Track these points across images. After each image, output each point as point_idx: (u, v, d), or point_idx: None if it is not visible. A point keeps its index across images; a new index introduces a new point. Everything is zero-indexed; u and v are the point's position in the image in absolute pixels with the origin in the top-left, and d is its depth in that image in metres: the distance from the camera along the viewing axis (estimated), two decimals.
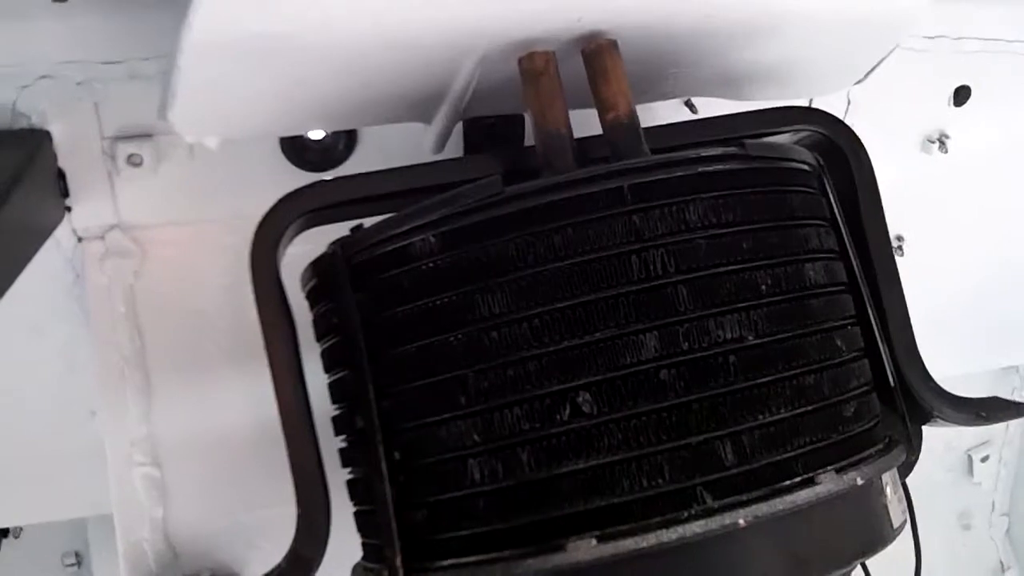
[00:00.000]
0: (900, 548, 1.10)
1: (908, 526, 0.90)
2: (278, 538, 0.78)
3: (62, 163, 0.95)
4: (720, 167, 0.71)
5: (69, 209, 0.97)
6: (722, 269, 0.69)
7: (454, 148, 0.95)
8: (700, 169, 0.71)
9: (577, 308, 0.67)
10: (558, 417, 0.67)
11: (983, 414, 0.88)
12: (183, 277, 1.02)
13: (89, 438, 1.13)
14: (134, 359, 1.01)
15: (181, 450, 1.01)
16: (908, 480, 0.89)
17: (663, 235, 0.69)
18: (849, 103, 1.16)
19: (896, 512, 0.76)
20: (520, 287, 0.68)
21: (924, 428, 0.88)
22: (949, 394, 0.86)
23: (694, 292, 0.68)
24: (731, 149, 0.72)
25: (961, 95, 1.23)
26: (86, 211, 0.98)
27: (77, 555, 1.60)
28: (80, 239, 0.99)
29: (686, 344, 0.67)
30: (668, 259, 0.68)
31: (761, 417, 0.68)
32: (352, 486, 0.80)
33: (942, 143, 1.25)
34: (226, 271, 1.01)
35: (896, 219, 1.28)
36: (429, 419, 0.70)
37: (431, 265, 0.71)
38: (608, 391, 0.67)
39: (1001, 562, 2.15)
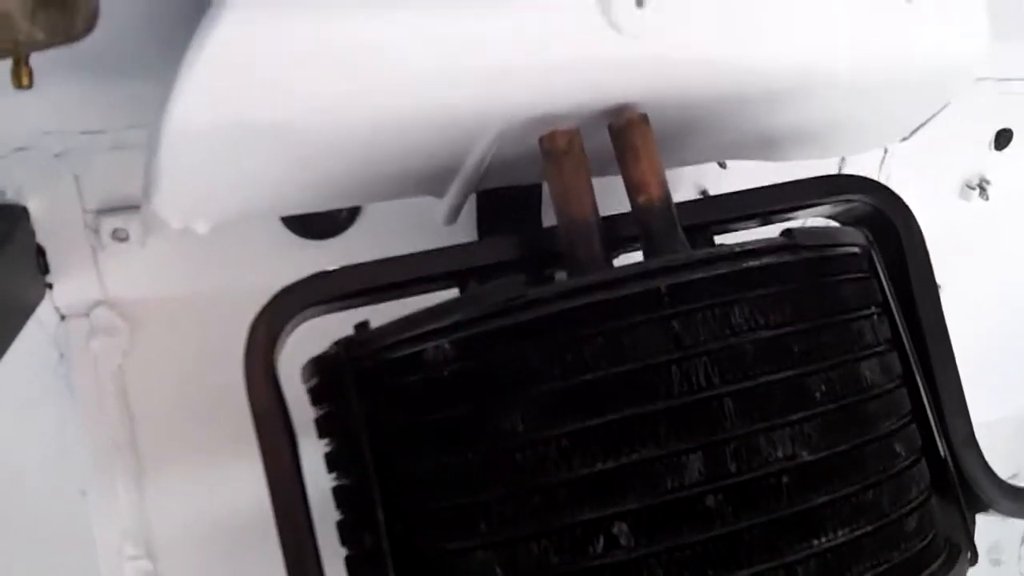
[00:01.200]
0: None
1: None
2: None
3: (41, 239, 0.87)
4: (767, 260, 0.64)
5: (50, 286, 0.90)
6: (772, 377, 0.62)
7: (467, 216, 0.88)
8: (745, 264, 0.63)
9: (611, 426, 0.60)
10: (591, 550, 0.59)
11: None
12: (175, 354, 0.95)
13: (82, 518, 1.06)
14: (125, 443, 0.94)
15: (176, 540, 0.95)
16: None
17: (706, 341, 0.61)
18: (886, 151, 1.09)
19: None
20: (546, 402, 0.61)
21: None
22: (1008, 485, 0.80)
23: (742, 405, 0.61)
24: (779, 240, 0.65)
25: (1003, 138, 1.15)
26: (69, 288, 0.91)
27: None
28: (63, 317, 0.92)
29: (734, 465, 0.60)
30: (712, 368, 0.61)
31: (817, 543, 0.61)
32: None
33: (983, 189, 1.17)
34: (222, 347, 0.94)
35: (936, 265, 1.21)
36: (445, 545, 0.63)
37: (446, 374, 0.63)
38: (648, 520, 0.59)
39: None
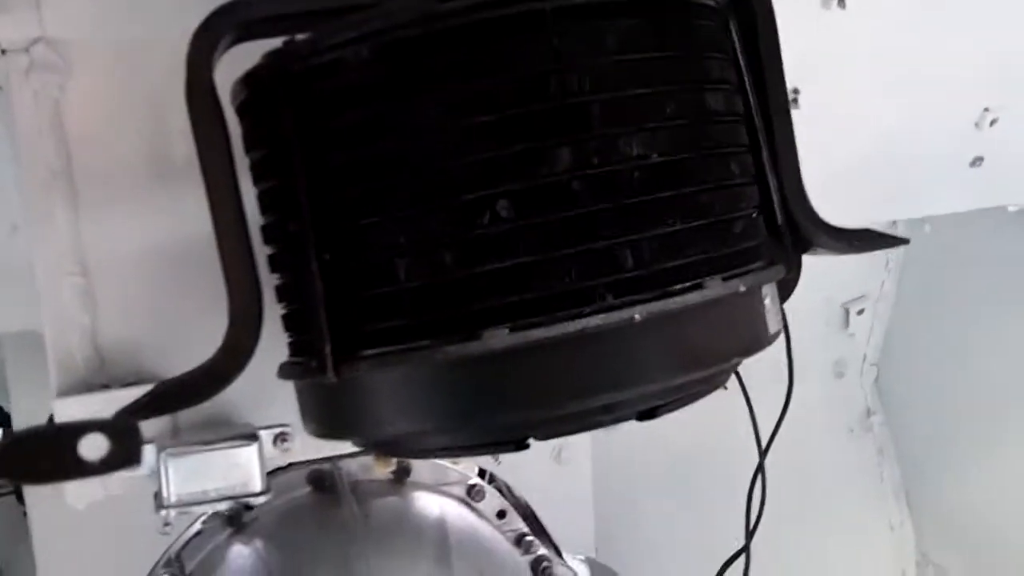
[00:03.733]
0: (780, 391, 1.22)
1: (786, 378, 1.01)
2: (202, 351, 0.83)
3: None
4: None
5: None
6: (631, 92, 0.76)
7: None
8: None
9: (499, 121, 0.73)
10: (479, 221, 0.73)
11: (856, 243, 0.97)
12: (110, 94, 1.04)
13: (8, 253, 1.16)
14: (61, 172, 1.03)
15: (109, 262, 1.05)
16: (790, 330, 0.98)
17: (580, 57, 0.74)
18: None
19: (773, 321, 0.85)
20: (448, 100, 0.74)
21: (805, 280, 0.97)
22: (828, 224, 0.95)
23: (605, 112, 0.75)
24: None
25: None
26: (10, 23, 0.98)
27: None
28: (3, 51, 1.00)
29: (596, 159, 0.74)
30: (584, 80, 0.74)
31: (659, 228, 0.76)
32: (281, 289, 0.86)
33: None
34: (153, 89, 1.03)
35: (794, 72, 1.35)
36: (359, 222, 0.76)
37: (363, 77, 0.75)
38: (525, 199, 0.73)
39: (868, 408, 2.34)
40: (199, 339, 0.84)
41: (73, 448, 0.63)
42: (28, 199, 1.03)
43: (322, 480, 1.44)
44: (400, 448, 0.84)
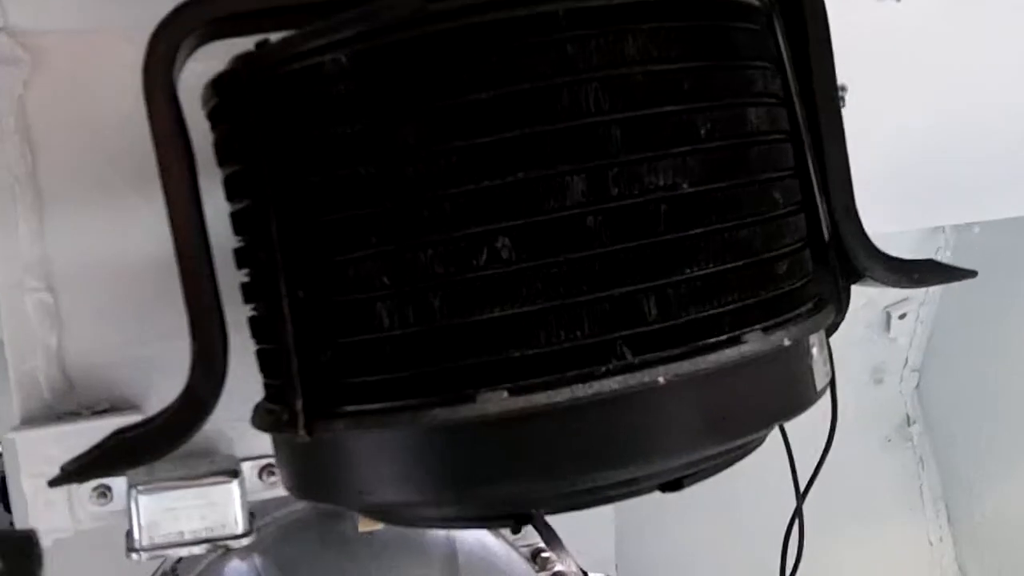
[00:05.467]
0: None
1: None
2: (181, 374, 0.73)
3: None
4: None
5: None
6: (659, 109, 0.64)
7: None
8: None
9: (499, 144, 0.62)
10: (474, 262, 0.62)
11: (916, 276, 0.85)
12: (79, 91, 0.94)
13: None
14: (25, 177, 0.93)
15: (77, 276, 0.96)
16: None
17: (598, 67, 0.62)
18: None
19: (820, 374, 0.73)
20: (439, 118, 0.62)
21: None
22: (883, 254, 0.83)
23: (628, 133, 0.63)
24: None
25: None
26: None
27: None
28: None
29: (616, 189, 0.62)
30: (602, 95, 0.62)
31: (689, 271, 0.64)
32: (254, 323, 0.75)
33: None
34: (126, 86, 0.93)
35: (842, 69, 1.23)
36: (336, 257, 0.65)
37: (342, 88, 0.64)
38: (529, 236, 0.62)
39: (908, 415, 2.22)
40: (178, 361, 0.74)
41: None
42: None
43: None
44: (388, 517, 0.73)
